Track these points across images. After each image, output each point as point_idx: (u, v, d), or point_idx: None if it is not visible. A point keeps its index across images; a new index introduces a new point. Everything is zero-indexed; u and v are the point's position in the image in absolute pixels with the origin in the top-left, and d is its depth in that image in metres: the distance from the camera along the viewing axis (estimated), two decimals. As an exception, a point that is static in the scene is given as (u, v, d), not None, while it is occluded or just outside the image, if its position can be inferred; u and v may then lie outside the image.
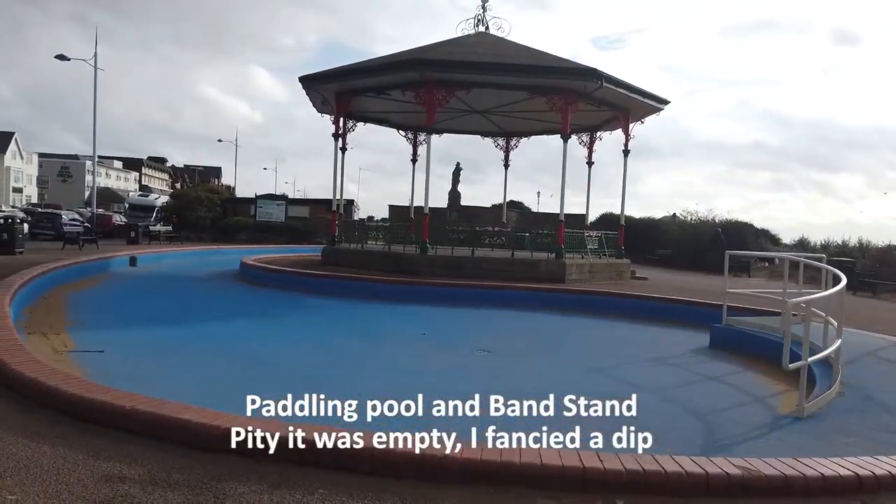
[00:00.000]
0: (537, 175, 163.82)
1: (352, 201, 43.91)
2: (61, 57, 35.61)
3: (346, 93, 18.94)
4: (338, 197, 22.05)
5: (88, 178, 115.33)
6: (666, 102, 19.00)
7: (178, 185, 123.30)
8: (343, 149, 22.62)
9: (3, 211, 36.86)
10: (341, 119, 19.77)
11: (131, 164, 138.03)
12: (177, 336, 9.56)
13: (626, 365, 8.81)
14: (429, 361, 8.53)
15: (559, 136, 24.16)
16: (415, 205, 26.56)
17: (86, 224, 35.09)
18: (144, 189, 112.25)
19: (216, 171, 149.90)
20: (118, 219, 43.24)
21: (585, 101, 17.59)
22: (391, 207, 48.73)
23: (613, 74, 16.45)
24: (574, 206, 22.68)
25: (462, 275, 16.94)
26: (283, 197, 39.29)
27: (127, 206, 50.30)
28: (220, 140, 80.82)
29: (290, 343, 9.54)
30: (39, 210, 45.87)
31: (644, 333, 11.87)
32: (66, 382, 4.52)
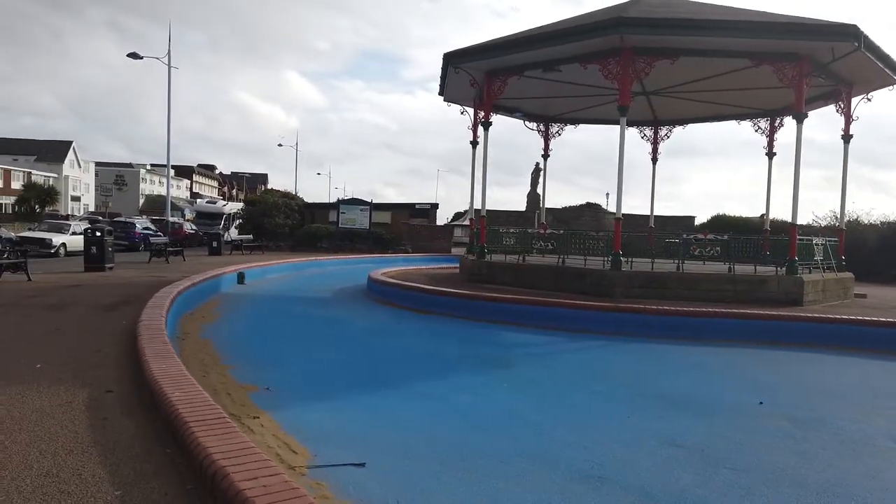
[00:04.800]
0: (570, 175, 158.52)
1: (436, 205, 40.59)
2: (134, 55, 33.27)
3: (501, 71, 15.43)
4: (476, 199, 18.56)
5: (142, 185, 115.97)
6: (904, 73, 14.92)
7: (234, 192, 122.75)
8: (474, 143, 19.24)
9: (97, 221, 34.55)
10: (489, 104, 16.19)
11: (182, 172, 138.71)
12: (419, 415, 6.15)
13: None
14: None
15: (730, 121, 20.59)
16: (548, 206, 22.99)
17: (159, 233, 32.63)
18: (195, 196, 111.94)
19: (263, 178, 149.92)
20: (188, 227, 40.92)
21: (819, 71, 13.72)
22: (476, 213, 45.42)
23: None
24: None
25: (666, 296, 13.29)
26: (368, 202, 36.08)
27: (195, 213, 48.08)
28: (280, 144, 79.09)
29: (597, 427, 5.99)
30: (103, 219, 43.91)
31: None
32: None
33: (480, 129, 18.99)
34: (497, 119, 19.23)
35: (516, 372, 8.25)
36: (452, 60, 15.43)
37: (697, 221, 39.50)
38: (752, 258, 14.42)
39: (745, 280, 13.46)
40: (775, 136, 19.14)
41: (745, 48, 13.04)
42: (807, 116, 13.74)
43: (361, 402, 6.47)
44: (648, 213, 23.03)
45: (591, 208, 45.62)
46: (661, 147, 21.66)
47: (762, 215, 39.85)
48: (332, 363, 8.40)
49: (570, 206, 46.04)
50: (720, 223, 37.13)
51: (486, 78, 15.74)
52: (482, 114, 18.98)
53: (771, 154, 19.28)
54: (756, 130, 19.39)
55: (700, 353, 9.95)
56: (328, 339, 10.23)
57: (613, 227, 14.17)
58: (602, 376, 8.19)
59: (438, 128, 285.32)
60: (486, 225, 16.42)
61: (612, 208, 46.98)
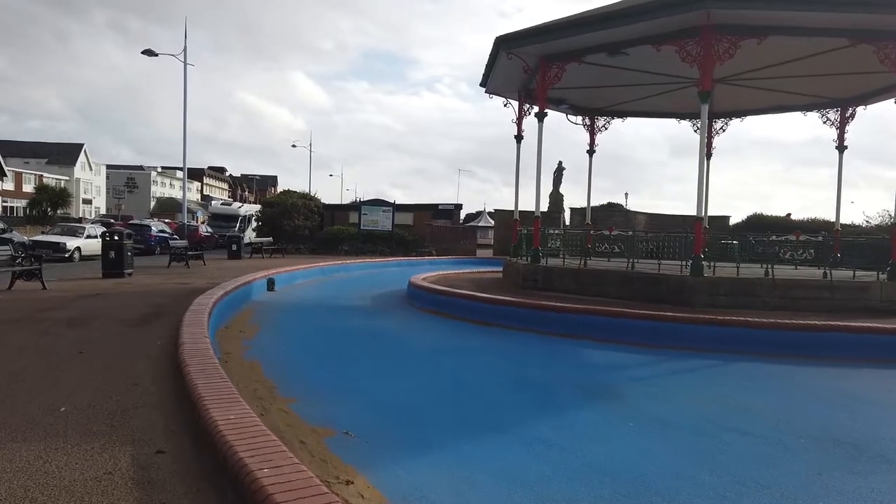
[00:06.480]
0: (580, 175, 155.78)
1: (460, 206, 39.18)
2: (149, 52, 32.07)
3: (558, 57, 13.98)
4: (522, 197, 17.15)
5: (153, 188, 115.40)
6: None
7: (244, 194, 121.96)
8: (519, 137, 17.84)
9: (110, 224, 33.36)
10: (543, 93, 14.70)
11: (193, 174, 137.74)
12: (555, 476, 4.73)
13: None
14: None
15: (794, 112, 19.11)
16: (597, 204, 21.56)
17: (175, 236, 31.39)
18: (206, 198, 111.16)
19: (272, 180, 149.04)
20: (204, 229, 39.75)
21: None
22: (497, 213, 43.78)
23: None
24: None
25: (754, 304, 11.86)
26: (391, 203, 34.68)
27: (210, 215, 46.87)
28: (294, 145, 77.98)
29: (795, 492, 4.54)
30: (116, 222, 42.83)
31: None
32: None
33: (526, 122, 17.68)
34: (508, 117, 17.89)
35: (633, 405, 6.81)
36: (505, 45, 14.02)
37: (732, 221, 37.97)
38: (820, 261, 12.97)
39: (843, 287, 11.98)
40: (847, 127, 17.59)
41: (846, 25, 11.57)
42: (912, 102, 12.25)
43: (473, 456, 5.05)
44: (679, 213, 21.60)
45: (615, 208, 44.12)
46: (723, 140, 20.16)
47: (787, 214, 38.26)
48: (411, 393, 7.01)
49: (595, 207, 44.58)
50: (759, 223, 35.56)
51: (541, 64, 14.30)
52: (527, 105, 17.66)
53: (842, 147, 17.73)
54: (825, 122, 17.86)
55: (832, 376, 8.49)
56: (391, 360, 8.83)
57: (644, 227, 12.71)
58: (739, 410, 6.75)
59: (445, 129, 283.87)
60: (540, 226, 14.95)
61: (632, 208, 45.54)
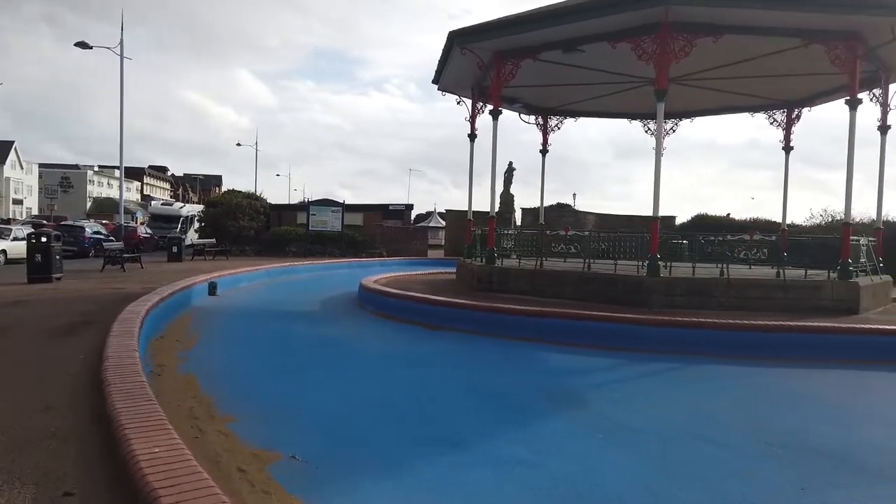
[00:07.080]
0: (527, 176, 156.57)
1: (411, 206, 38.62)
2: (83, 45, 30.38)
3: (513, 53, 13.65)
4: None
5: (90, 188, 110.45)
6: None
7: (188, 195, 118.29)
8: (472, 136, 17.47)
9: (41, 225, 31.28)
10: (498, 90, 14.32)
11: (132, 173, 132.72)
12: (526, 500, 4.31)
13: None
14: None
15: (742, 113, 19.37)
16: (545, 204, 21.50)
17: (110, 238, 29.78)
18: (147, 198, 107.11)
19: (217, 180, 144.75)
20: (143, 231, 38.01)
21: (867, 53, 12.41)
22: (448, 213, 43.40)
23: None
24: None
25: (709, 305, 11.80)
26: (340, 203, 33.82)
27: (150, 216, 44.92)
28: (238, 144, 75.56)
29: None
30: (48, 223, 40.52)
31: None
32: None
33: (479, 121, 17.32)
34: (458, 117, 17.53)
35: (599, 413, 6.47)
36: (460, 39, 13.59)
37: (678, 221, 38.63)
38: (772, 261, 13.14)
39: (797, 286, 12.03)
40: (793, 128, 17.91)
41: (800, 24, 11.61)
42: (861, 102, 12.46)
43: (434, 479, 4.58)
44: (625, 213, 21.72)
45: (565, 209, 44.30)
46: (666, 142, 20.23)
47: (727, 214, 39.23)
48: (364, 407, 6.47)
49: (544, 207, 44.66)
50: (703, 223, 36.29)
51: (496, 60, 13.94)
52: (481, 104, 17.29)
53: (788, 148, 18.06)
54: (771, 123, 18.16)
55: (793, 377, 8.41)
56: (342, 370, 8.27)
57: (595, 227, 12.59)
58: (705, 415, 6.50)
59: (394, 129, 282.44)
60: (494, 227, 14.59)
61: (581, 208, 45.84)
